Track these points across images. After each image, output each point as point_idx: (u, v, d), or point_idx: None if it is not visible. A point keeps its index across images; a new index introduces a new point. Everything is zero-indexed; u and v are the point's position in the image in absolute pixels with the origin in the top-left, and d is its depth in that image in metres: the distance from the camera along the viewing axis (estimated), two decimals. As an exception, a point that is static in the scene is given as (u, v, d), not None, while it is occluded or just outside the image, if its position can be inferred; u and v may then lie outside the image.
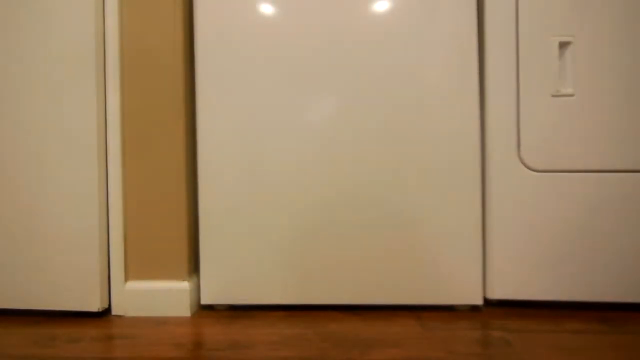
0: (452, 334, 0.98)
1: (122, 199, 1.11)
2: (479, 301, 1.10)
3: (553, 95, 1.08)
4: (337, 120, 1.10)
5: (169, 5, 1.10)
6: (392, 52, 1.09)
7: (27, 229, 1.09)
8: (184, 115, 1.12)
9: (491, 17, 1.09)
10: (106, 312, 1.11)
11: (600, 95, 1.07)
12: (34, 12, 1.08)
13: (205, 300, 1.13)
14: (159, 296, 1.10)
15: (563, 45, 1.08)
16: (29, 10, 1.08)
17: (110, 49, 1.10)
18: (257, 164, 1.11)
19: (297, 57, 1.10)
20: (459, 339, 0.95)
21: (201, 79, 1.12)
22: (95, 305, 1.08)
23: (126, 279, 1.12)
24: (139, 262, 1.12)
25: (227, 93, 1.11)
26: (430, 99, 1.09)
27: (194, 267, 1.16)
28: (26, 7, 1.08)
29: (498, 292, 1.10)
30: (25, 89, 1.09)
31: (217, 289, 1.13)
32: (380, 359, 0.86)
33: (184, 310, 1.10)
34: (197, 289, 1.14)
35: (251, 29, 1.11)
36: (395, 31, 1.09)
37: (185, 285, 1.11)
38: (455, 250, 1.09)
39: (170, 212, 1.11)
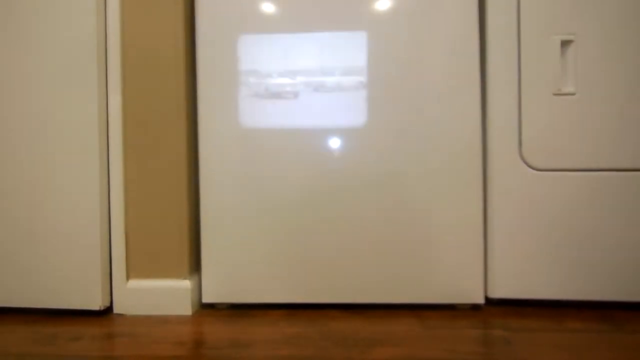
0: (453, 333, 0.98)
1: (124, 198, 1.11)
2: (480, 300, 1.10)
3: (555, 94, 1.08)
4: (337, 118, 1.10)
5: (170, 4, 1.10)
6: (393, 50, 1.09)
7: (28, 227, 1.10)
8: (185, 114, 1.12)
9: (493, 16, 1.09)
10: (107, 311, 1.11)
11: (601, 94, 1.07)
12: (35, 12, 1.08)
13: (206, 298, 1.14)
14: (160, 295, 1.10)
15: (565, 44, 1.07)
16: (30, 10, 1.08)
17: (111, 48, 1.10)
18: (258, 163, 1.11)
19: (297, 55, 1.10)
20: (459, 338, 0.95)
21: (202, 78, 1.12)
22: (96, 304, 1.09)
23: (127, 277, 1.12)
24: (140, 260, 1.12)
25: (228, 92, 1.11)
26: (432, 97, 1.09)
27: (195, 266, 1.16)
28: (27, 7, 1.09)
29: (499, 291, 1.10)
30: (26, 88, 1.09)
31: (218, 287, 1.13)
32: (380, 358, 0.86)
33: (185, 308, 1.10)
34: (198, 287, 1.14)
35: (253, 27, 1.11)
36: (398, 30, 1.09)
37: (186, 283, 1.11)
38: (457, 248, 1.09)
39: (171, 210, 1.11)
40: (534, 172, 1.09)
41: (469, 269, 1.09)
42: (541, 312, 1.08)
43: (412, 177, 1.09)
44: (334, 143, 1.10)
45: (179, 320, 1.07)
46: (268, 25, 1.11)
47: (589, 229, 1.08)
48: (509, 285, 1.10)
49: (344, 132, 1.10)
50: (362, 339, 0.95)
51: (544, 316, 1.06)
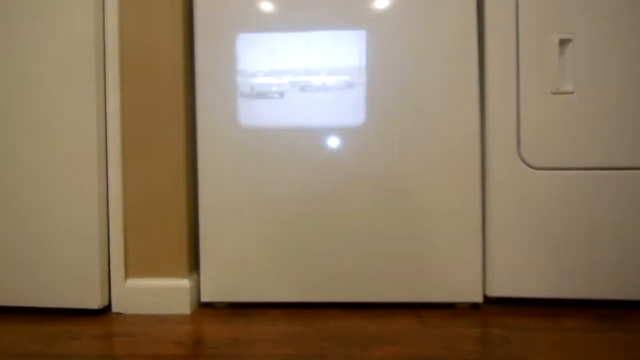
0: (452, 331, 0.98)
1: (122, 197, 1.11)
2: (478, 299, 1.10)
3: (553, 93, 1.08)
4: (336, 119, 1.10)
5: (168, 4, 1.10)
6: (392, 49, 1.09)
7: (27, 226, 1.09)
8: (184, 113, 1.12)
9: (491, 15, 1.09)
10: (106, 310, 1.11)
11: (600, 92, 1.07)
12: (35, 12, 1.08)
13: (205, 297, 1.13)
14: (159, 294, 1.10)
15: (563, 43, 1.08)
16: (30, 11, 1.08)
17: (110, 48, 1.10)
18: (257, 162, 1.11)
19: (297, 51, 1.10)
20: (458, 336, 0.95)
21: (200, 77, 1.12)
22: (95, 303, 1.09)
23: (126, 276, 1.12)
24: (139, 259, 1.12)
25: (226, 91, 1.11)
26: (430, 96, 1.09)
27: (194, 265, 1.16)
28: (27, 7, 1.08)
29: (498, 290, 1.10)
30: (25, 88, 1.09)
31: (217, 286, 1.13)
32: (380, 357, 0.86)
33: (184, 307, 1.10)
34: (197, 286, 1.14)
35: (251, 27, 1.11)
36: (396, 28, 1.09)
37: (185, 282, 1.11)
38: (455, 247, 1.09)
39: (170, 209, 1.11)
40: (533, 170, 1.09)
41: (468, 267, 1.09)
42: (540, 311, 1.08)
43: (410, 176, 1.09)
44: (334, 142, 1.10)
45: (178, 319, 1.07)
46: (268, 25, 1.11)
47: (587, 228, 1.08)
48: (507, 284, 1.10)
49: (343, 132, 1.10)
50: (362, 337, 0.95)
51: (542, 315, 1.06)
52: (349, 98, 1.10)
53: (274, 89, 1.11)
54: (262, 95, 1.11)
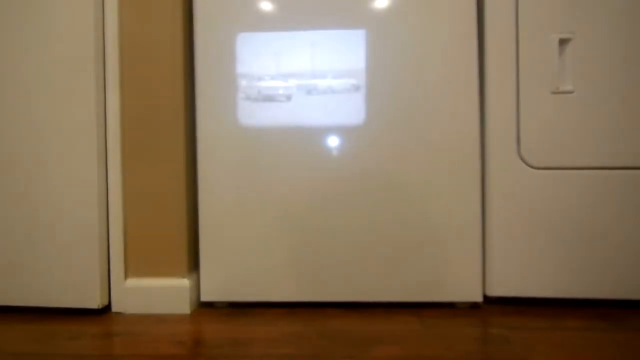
0: (451, 331, 0.98)
1: (122, 196, 1.11)
2: (478, 298, 1.10)
3: (553, 92, 1.08)
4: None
5: (168, 4, 1.10)
6: (392, 49, 1.09)
7: (27, 226, 1.09)
8: (184, 113, 1.11)
9: (491, 14, 1.09)
10: (106, 309, 1.11)
11: (599, 92, 1.07)
12: (34, 12, 1.08)
13: (205, 297, 1.13)
14: (159, 293, 1.10)
15: (563, 42, 1.08)
16: (29, 10, 1.08)
17: (109, 48, 1.10)
18: (256, 163, 1.11)
19: (297, 50, 1.10)
20: (458, 336, 0.95)
21: (200, 78, 1.12)
22: (95, 302, 1.08)
23: (126, 276, 1.12)
24: (139, 259, 1.12)
25: (226, 92, 1.11)
26: (430, 96, 1.09)
27: (194, 265, 1.16)
28: (26, 7, 1.08)
29: (498, 290, 1.10)
30: (25, 88, 1.09)
31: (217, 286, 1.13)
32: (380, 356, 0.86)
33: (183, 307, 1.10)
34: (197, 286, 1.14)
35: (251, 27, 1.11)
36: (396, 28, 1.09)
37: (185, 282, 1.11)
38: (455, 247, 1.09)
39: (170, 209, 1.11)
40: (532, 170, 1.09)
41: (468, 267, 1.09)
42: (539, 311, 1.08)
43: (411, 177, 1.09)
44: (334, 143, 1.10)
45: (178, 319, 1.07)
46: (271, 25, 1.11)
47: (587, 227, 1.08)
48: (507, 283, 1.10)
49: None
50: (362, 337, 0.95)
51: (542, 314, 1.06)
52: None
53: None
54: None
